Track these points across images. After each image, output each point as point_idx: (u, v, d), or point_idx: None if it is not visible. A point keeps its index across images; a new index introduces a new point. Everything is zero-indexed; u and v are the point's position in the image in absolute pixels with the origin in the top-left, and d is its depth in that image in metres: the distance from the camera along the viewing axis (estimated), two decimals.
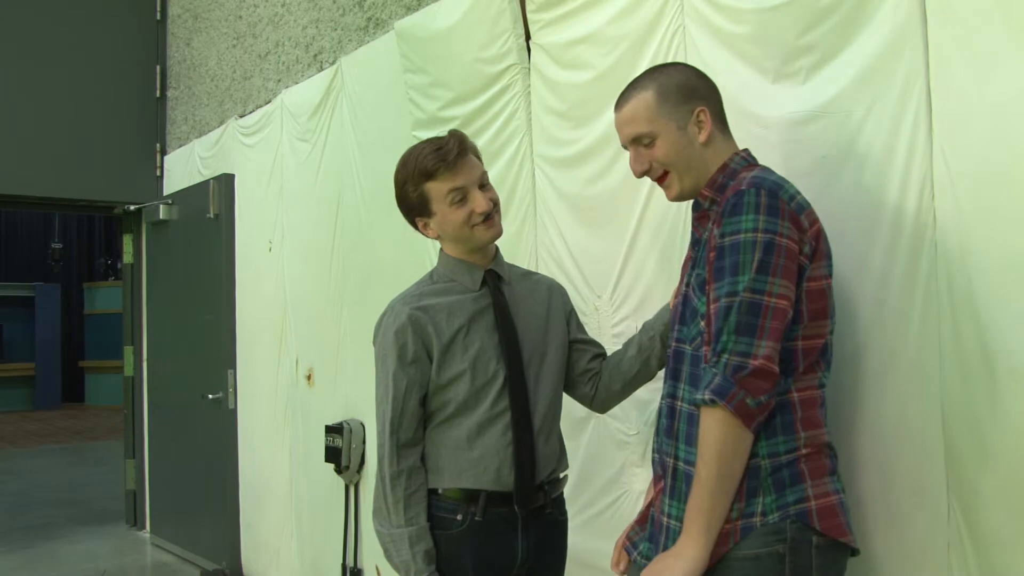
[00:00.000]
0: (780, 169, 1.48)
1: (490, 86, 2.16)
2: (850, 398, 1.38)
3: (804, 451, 1.19)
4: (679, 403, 1.26)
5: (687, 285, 1.29)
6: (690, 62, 1.65)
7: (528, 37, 2.07)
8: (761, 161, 1.51)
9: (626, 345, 1.56)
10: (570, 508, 1.59)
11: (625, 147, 1.33)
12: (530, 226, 2.10)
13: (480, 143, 2.20)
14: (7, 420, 10.13)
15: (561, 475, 1.53)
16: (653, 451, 1.35)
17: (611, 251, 1.86)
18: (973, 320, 1.22)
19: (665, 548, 1.22)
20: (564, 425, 1.86)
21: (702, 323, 1.21)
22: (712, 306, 1.17)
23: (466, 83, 2.23)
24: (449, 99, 2.30)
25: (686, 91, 1.28)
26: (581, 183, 1.93)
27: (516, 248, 2.11)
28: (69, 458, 7.36)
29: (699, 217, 1.31)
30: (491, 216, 1.46)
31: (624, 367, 1.53)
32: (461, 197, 1.43)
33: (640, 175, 1.32)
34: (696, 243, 1.32)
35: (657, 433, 1.34)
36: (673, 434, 1.25)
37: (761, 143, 1.52)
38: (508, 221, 2.14)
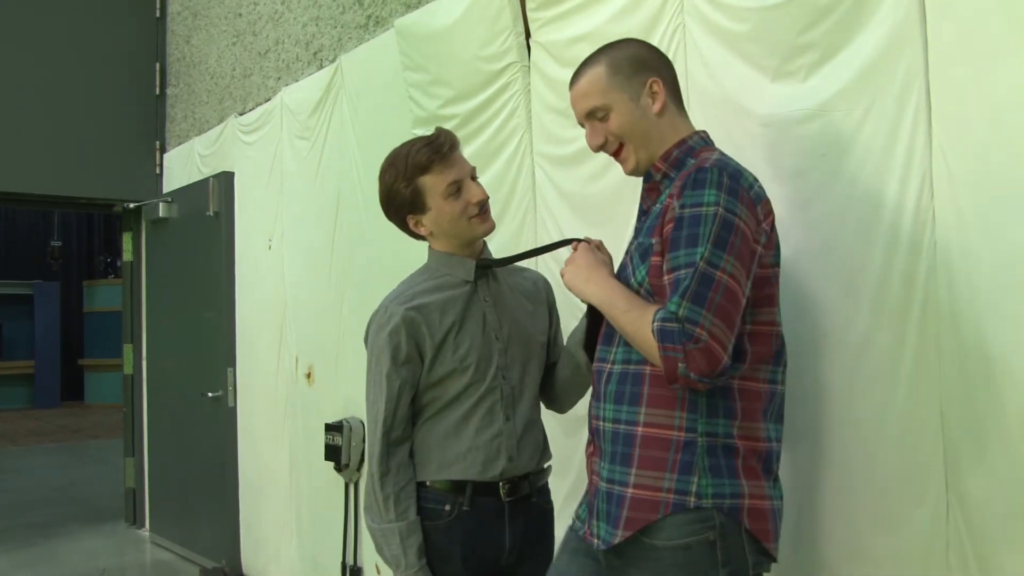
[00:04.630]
0: (780, 167, 1.49)
1: (490, 84, 2.16)
2: (849, 397, 1.39)
3: (740, 442, 1.18)
4: (608, 365, 1.26)
5: (626, 253, 1.29)
6: (690, 60, 1.66)
7: (528, 35, 2.07)
8: (763, 159, 1.52)
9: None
10: (569, 505, 1.60)
11: (581, 124, 1.34)
12: (530, 224, 2.10)
13: (480, 141, 2.21)
14: (6, 418, 10.14)
15: (545, 465, 1.57)
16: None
17: (611, 249, 1.85)
18: (972, 319, 1.22)
19: (597, 509, 1.24)
20: (564, 423, 1.86)
21: (640, 291, 1.21)
22: (668, 276, 1.14)
23: (466, 81, 2.23)
24: (449, 97, 2.30)
25: (637, 63, 1.29)
26: (581, 181, 1.93)
27: (517, 245, 2.12)
28: (68, 456, 7.37)
29: (649, 189, 1.32)
30: (486, 209, 1.49)
31: (572, 348, 1.53)
32: (457, 189, 1.46)
33: (597, 149, 1.32)
34: (643, 214, 1.33)
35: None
36: (601, 396, 1.26)
37: (761, 141, 1.52)
38: (508, 219, 2.15)
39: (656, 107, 1.27)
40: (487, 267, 1.53)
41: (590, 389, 1.38)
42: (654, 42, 1.72)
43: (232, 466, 3.55)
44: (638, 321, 1.14)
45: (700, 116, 1.64)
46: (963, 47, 1.23)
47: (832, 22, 1.40)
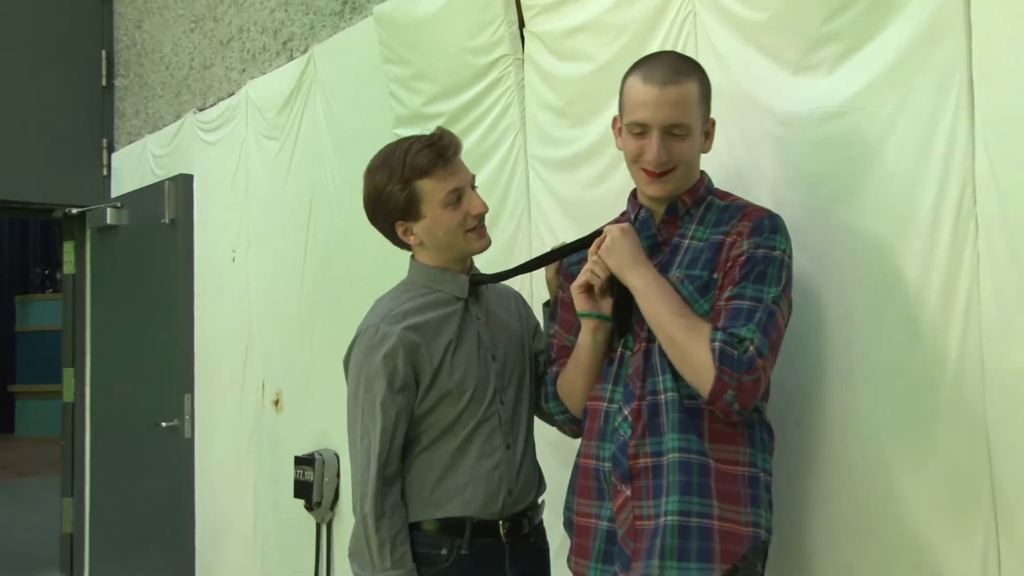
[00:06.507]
0: (800, 171, 1.51)
1: (479, 79, 2.17)
2: (879, 425, 1.39)
3: (770, 477, 1.35)
4: (661, 396, 1.32)
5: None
6: (701, 53, 1.68)
7: (522, 25, 2.08)
8: (782, 162, 1.54)
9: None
10: (567, 544, 1.60)
11: (641, 124, 1.32)
12: (524, 234, 2.11)
13: (469, 142, 2.20)
14: None
15: (540, 500, 1.58)
16: (603, 462, 1.36)
17: None
18: (1021, 336, 1.23)
19: (663, 547, 1.25)
20: (560, 452, 1.86)
21: None
22: (730, 302, 1.27)
23: (453, 75, 2.24)
24: (434, 93, 2.31)
25: (709, 96, 1.39)
26: (579, 187, 1.94)
27: (509, 258, 2.11)
28: None
29: (667, 222, 1.40)
30: (483, 223, 1.50)
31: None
32: (457, 198, 1.46)
33: (658, 167, 1.33)
34: (658, 245, 1.38)
35: (605, 438, 1.35)
36: (661, 428, 1.31)
37: (780, 143, 1.54)
38: (500, 228, 2.15)
39: (707, 146, 1.38)
40: (480, 283, 1.53)
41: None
42: (661, 33, 1.75)
43: (188, 505, 3.52)
44: (692, 332, 1.25)
45: (713, 114, 1.65)
46: (1011, 32, 1.23)
47: (861, 8, 1.41)
